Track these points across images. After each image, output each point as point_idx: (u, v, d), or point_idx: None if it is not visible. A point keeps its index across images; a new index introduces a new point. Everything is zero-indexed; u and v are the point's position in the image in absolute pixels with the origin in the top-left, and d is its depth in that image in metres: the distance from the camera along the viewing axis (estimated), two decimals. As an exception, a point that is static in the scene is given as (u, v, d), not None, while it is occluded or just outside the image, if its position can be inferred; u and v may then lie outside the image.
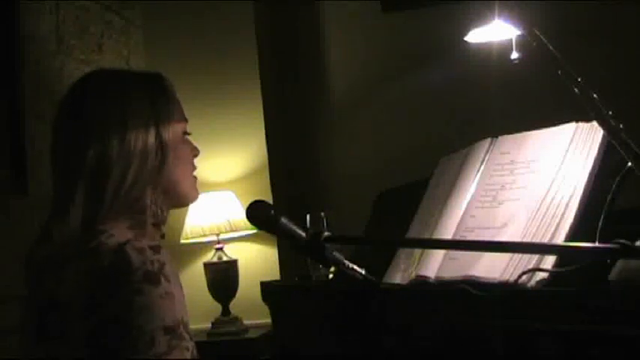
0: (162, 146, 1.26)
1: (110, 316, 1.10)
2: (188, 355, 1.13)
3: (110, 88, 1.28)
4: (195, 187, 1.38)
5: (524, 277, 1.26)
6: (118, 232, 1.19)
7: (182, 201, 1.36)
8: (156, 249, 1.15)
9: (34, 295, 1.23)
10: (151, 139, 1.25)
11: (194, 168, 1.38)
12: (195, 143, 1.39)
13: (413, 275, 1.46)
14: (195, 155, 1.39)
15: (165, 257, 1.15)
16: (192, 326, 3.41)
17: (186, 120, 1.38)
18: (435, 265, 1.43)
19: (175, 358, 1.10)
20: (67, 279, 1.16)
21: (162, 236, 1.31)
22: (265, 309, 1.81)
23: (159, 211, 1.29)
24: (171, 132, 1.29)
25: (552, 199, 1.34)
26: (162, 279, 1.12)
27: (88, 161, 1.21)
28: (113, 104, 1.25)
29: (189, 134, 1.37)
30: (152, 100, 1.29)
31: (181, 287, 1.17)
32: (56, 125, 1.28)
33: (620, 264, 1.17)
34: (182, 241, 3.31)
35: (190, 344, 1.14)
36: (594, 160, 1.34)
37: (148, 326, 1.09)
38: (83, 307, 1.12)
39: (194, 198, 1.37)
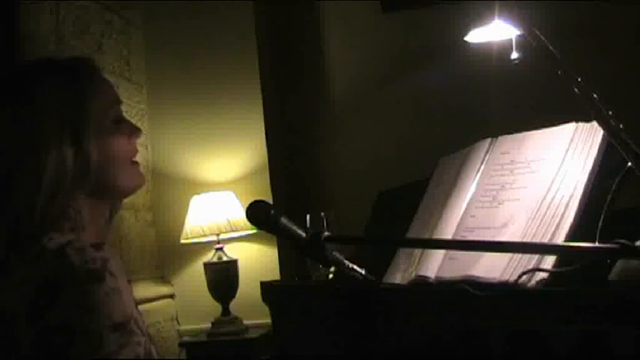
0: (82, 154, 1.19)
1: (55, 321, 1.06)
2: (140, 350, 1.09)
3: (17, 97, 1.20)
4: (135, 174, 1.30)
5: (524, 277, 1.25)
6: (59, 235, 1.16)
7: (123, 194, 1.29)
8: (98, 246, 1.11)
9: None
10: (68, 151, 1.18)
11: (133, 153, 1.30)
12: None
13: (413, 275, 1.46)
14: (137, 137, 1.30)
15: (109, 253, 1.11)
16: (192, 326, 3.43)
17: (117, 102, 1.29)
18: (435, 265, 1.43)
19: (127, 355, 1.06)
20: (10, 288, 1.12)
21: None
22: (265, 309, 1.81)
23: (92, 215, 1.23)
24: (91, 132, 1.20)
25: (552, 199, 1.34)
26: (107, 275, 1.08)
27: None
28: (22, 123, 1.18)
29: (121, 120, 1.28)
30: (67, 101, 1.20)
31: (129, 282, 1.13)
32: None
33: (620, 264, 1.17)
34: (182, 241, 3.32)
35: (143, 339, 1.10)
36: (594, 160, 1.33)
37: (95, 327, 1.05)
38: (27, 314, 1.08)
39: (137, 186, 1.30)
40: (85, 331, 1.05)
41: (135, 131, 1.29)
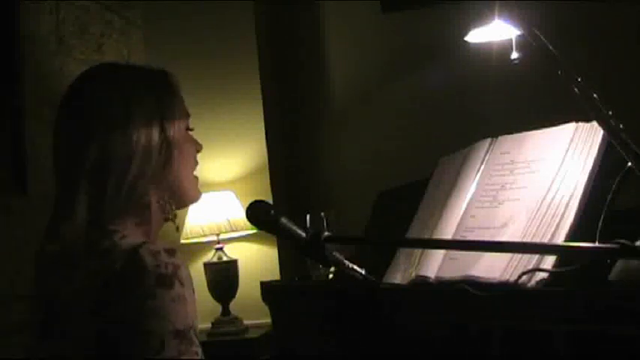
0: (166, 144, 1.25)
1: (121, 318, 1.09)
2: None
3: (113, 86, 1.25)
4: (196, 186, 1.36)
5: (524, 277, 1.25)
6: (130, 233, 1.19)
7: (184, 200, 1.35)
8: (171, 252, 1.14)
9: (41, 293, 1.23)
10: (155, 136, 1.23)
11: (196, 164, 1.36)
12: (196, 138, 1.39)
13: (413, 275, 1.46)
14: (198, 151, 1.37)
15: (180, 260, 1.14)
16: (193, 326, 3.29)
17: (188, 115, 1.36)
18: (435, 265, 1.43)
19: None
20: (76, 278, 1.15)
21: (177, 229, 1.34)
22: (265, 309, 1.81)
23: (167, 205, 1.29)
24: (176, 129, 1.27)
25: (552, 199, 1.34)
26: (176, 282, 1.11)
27: (89, 159, 1.19)
28: (116, 101, 1.23)
29: (191, 129, 1.36)
30: (157, 96, 1.27)
31: (194, 291, 1.16)
32: (57, 124, 1.27)
33: (620, 264, 1.17)
34: (182, 241, 3.31)
35: (200, 349, 1.13)
36: (594, 160, 1.33)
37: (158, 330, 1.08)
38: (92, 307, 1.11)
39: (196, 198, 1.36)
40: (147, 332, 1.08)
41: (198, 145, 1.37)
